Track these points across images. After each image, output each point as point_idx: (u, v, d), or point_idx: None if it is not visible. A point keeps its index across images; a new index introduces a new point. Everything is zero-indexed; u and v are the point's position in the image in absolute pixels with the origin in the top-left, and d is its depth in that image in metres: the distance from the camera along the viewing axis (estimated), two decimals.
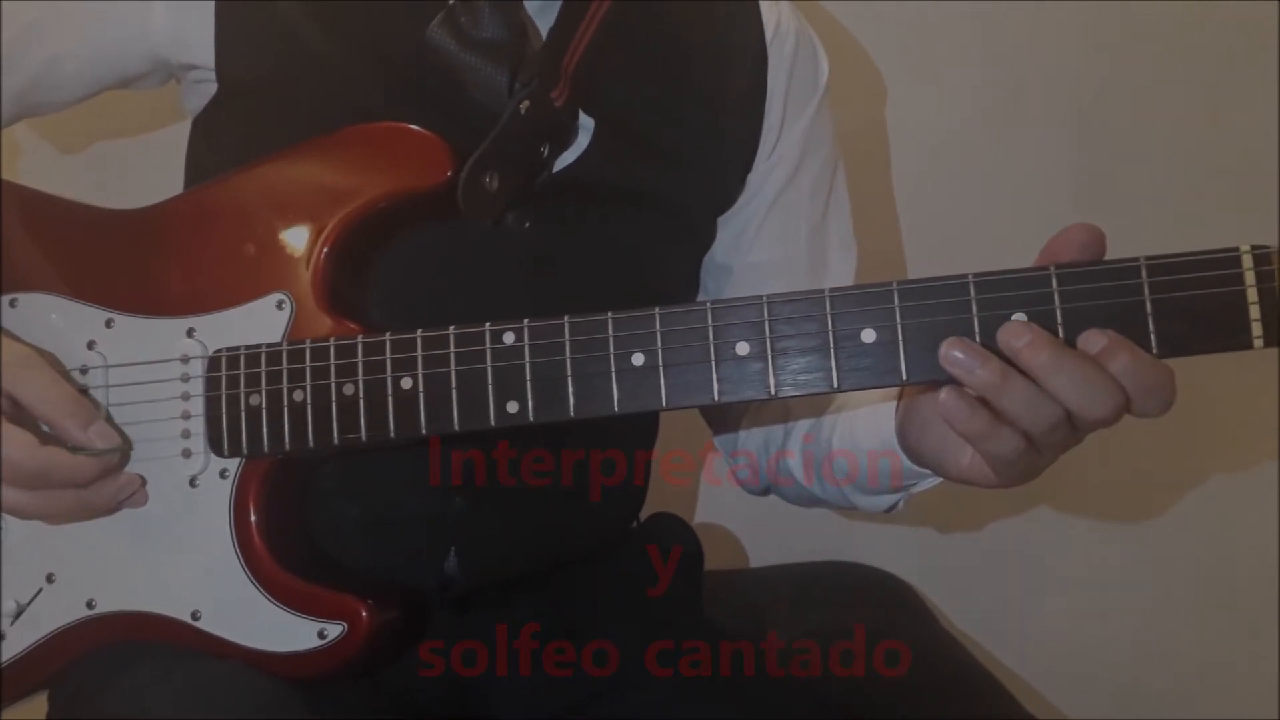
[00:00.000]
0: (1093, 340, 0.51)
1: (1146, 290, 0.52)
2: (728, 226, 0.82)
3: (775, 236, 0.81)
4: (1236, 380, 1.17)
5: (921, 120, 1.16)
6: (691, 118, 0.76)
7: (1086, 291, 0.52)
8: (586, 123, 0.73)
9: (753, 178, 0.80)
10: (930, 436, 0.61)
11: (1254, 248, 0.51)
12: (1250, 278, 0.50)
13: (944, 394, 0.53)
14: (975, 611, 1.19)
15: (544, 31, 0.72)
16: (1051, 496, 1.23)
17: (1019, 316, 0.53)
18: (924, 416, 0.61)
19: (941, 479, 0.65)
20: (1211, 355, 0.52)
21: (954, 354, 0.52)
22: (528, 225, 0.71)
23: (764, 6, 0.79)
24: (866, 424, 0.69)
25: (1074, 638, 1.25)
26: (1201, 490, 1.24)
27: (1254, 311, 0.50)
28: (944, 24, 1.14)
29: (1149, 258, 0.52)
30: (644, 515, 0.87)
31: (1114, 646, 1.25)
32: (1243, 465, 1.23)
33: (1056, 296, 0.53)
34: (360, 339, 0.63)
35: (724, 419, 0.87)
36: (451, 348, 0.61)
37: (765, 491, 0.86)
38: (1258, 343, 0.51)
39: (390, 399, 0.62)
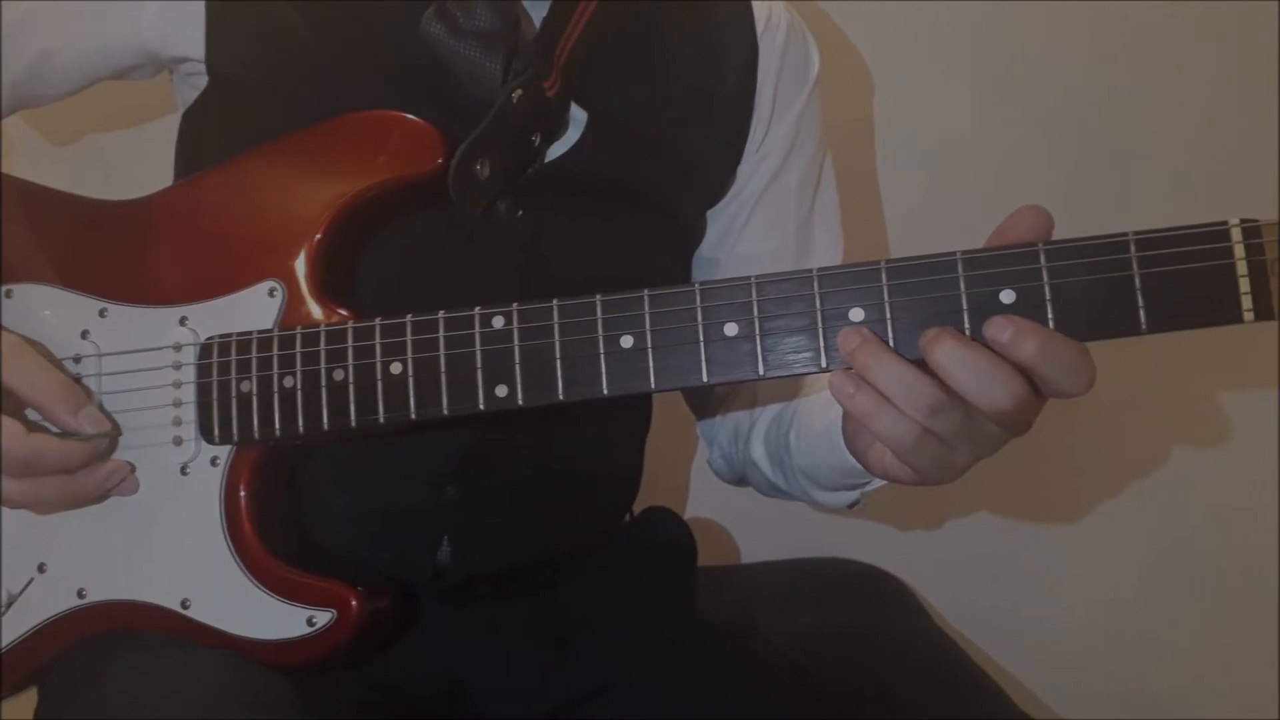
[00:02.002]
0: (998, 327, 0.51)
1: (1135, 265, 0.51)
2: (716, 219, 0.82)
3: (763, 228, 0.81)
4: (1234, 372, 1.16)
5: (909, 115, 1.16)
6: (683, 111, 0.76)
7: (1074, 267, 0.52)
8: (579, 115, 0.73)
9: (742, 169, 0.80)
10: (863, 431, 0.61)
11: (1243, 221, 0.50)
12: (1240, 250, 0.50)
13: (834, 373, 0.53)
14: (969, 609, 1.19)
15: (537, 23, 0.72)
16: (1047, 492, 1.23)
17: (1007, 294, 0.53)
18: None
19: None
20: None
21: (840, 341, 0.53)
22: (520, 215, 0.71)
23: (755, 3, 0.80)
24: (820, 418, 0.68)
25: (1069, 636, 1.24)
26: (1200, 487, 1.23)
27: (1244, 285, 0.50)
28: (933, 19, 1.14)
29: (1137, 232, 0.52)
30: (637, 509, 0.87)
31: (1110, 645, 1.24)
32: (1243, 460, 1.22)
33: (1044, 273, 0.52)
34: (350, 325, 0.63)
35: (704, 407, 0.87)
36: (440, 332, 0.61)
37: (740, 481, 0.86)
38: (1248, 316, 0.50)
39: (380, 384, 0.61)
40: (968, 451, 0.55)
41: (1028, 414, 0.53)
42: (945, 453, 0.54)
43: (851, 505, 0.73)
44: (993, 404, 0.51)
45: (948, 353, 0.51)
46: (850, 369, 0.53)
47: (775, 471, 0.78)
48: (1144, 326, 0.52)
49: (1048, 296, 0.52)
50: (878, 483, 0.68)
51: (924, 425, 0.52)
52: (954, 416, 0.52)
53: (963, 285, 0.53)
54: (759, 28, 0.79)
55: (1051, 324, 0.52)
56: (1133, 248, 0.52)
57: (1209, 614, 1.24)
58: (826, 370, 0.56)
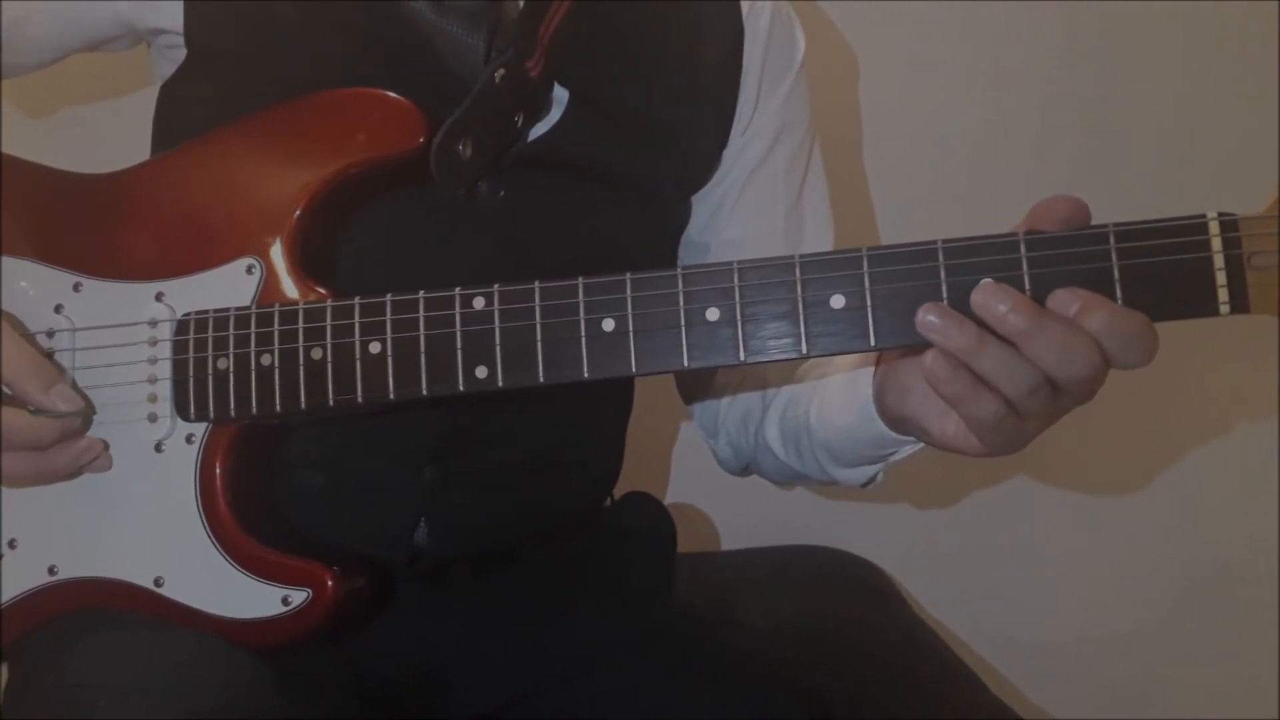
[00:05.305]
0: (1064, 301, 0.52)
1: (1114, 257, 0.52)
2: (703, 203, 0.82)
3: (751, 213, 0.81)
4: (1231, 362, 1.17)
5: (896, 99, 1.16)
6: (667, 92, 0.76)
7: (1054, 258, 0.52)
8: (561, 95, 0.73)
9: (728, 153, 0.80)
10: (912, 402, 0.61)
11: (1221, 214, 0.51)
12: (1217, 244, 0.51)
13: (929, 356, 0.53)
14: (950, 599, 1.19)
15: (521, 2, 0.71)
16: (1031, 481, 1.23)
17: (986, 283, 0.53)
18: (904, 382, 0.61)
19: (921, 445, 0.65)
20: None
21: (930, 319, 0.53)
22: (502, 195, 0.71)
23: None
24: (844, 393, 0.68)
25: (1052, 628, 1.24)
26: (1189, 477, 1.23)
27: (1220, 278, 0.51)
28: (920, 4, 1.14)
29: (1117, 224, 0.52)
30: (618, 493, 0.87)
31: (1093, 637, 1.25)
32: (1235, 445, 1.22)
33: (1024, 263, 0.53)
34: (329, 303, 0.62)
35: (704, 398, 0.87)
36: (420, 312, 0.60)
37: (746, 470, 0.86)
38: (1224, 309, 0.51)
39: (358, 363, 0.61)
40: (1039, 424, 0.56)
41: (1098, 383, 0.53)
42: (1020, 426, 0.55)
43: (868, 483, 0.74)
44: (1072, 374, 0.51)
45: (1028, 327, 0.51)
46: (936, 349, 0.53)
47: (789, 451, 0.77)
48: None
49: (1027, 286, 0.53)
50: (903, 453, 0.68)
51: (1016, 405, 0.53)
52: (1044, 395, 0.53)
53: (943, 274, 0.54)
54: (744, 10, 0.79)
55: None
56: (1112, 239, 0.52)
57: (1197, 608, 1.24)
58: (806, 357, 0.56)
